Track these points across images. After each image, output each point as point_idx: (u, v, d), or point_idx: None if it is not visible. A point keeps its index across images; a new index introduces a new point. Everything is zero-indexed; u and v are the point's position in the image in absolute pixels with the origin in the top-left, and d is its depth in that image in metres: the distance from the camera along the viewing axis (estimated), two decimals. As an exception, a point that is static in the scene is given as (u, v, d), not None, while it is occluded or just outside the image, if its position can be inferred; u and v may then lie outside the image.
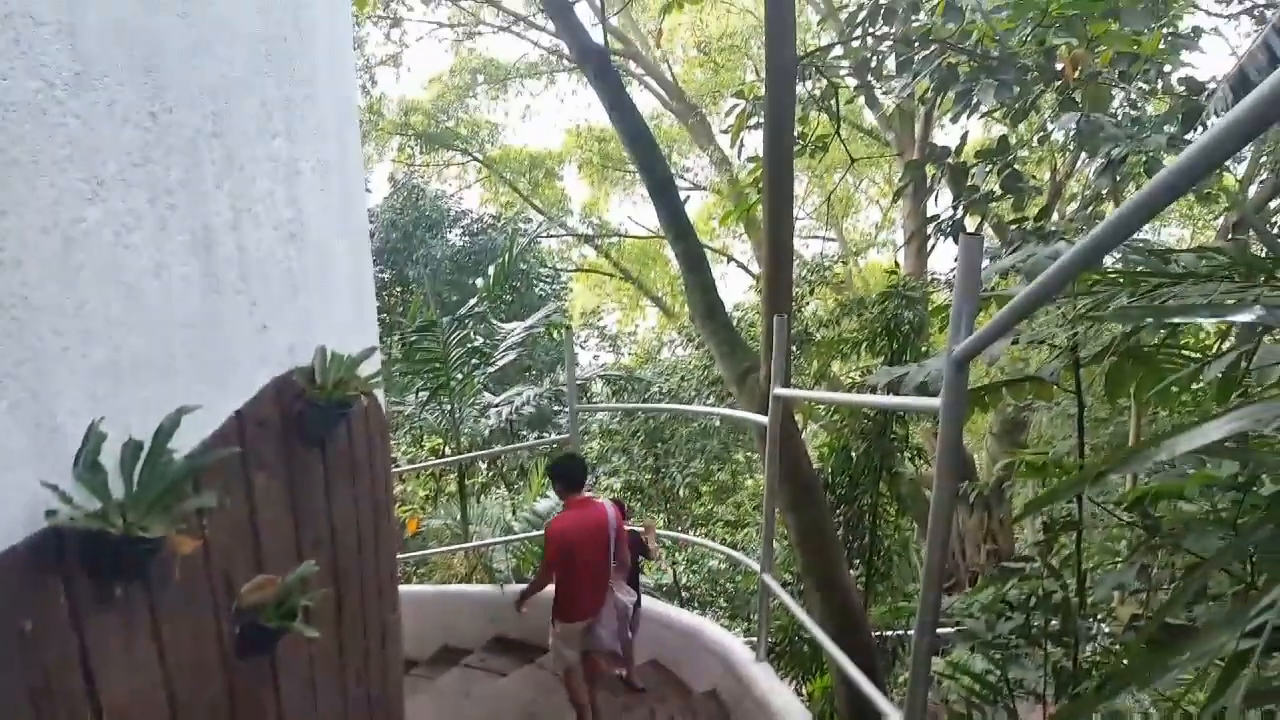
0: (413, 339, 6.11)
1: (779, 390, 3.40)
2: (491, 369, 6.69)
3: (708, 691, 4.17)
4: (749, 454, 11.24)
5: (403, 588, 5.97)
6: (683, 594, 9.44)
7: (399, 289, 11.44)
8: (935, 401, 1.98)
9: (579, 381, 9.12)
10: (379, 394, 2.80)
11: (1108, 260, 3.25)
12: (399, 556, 6.63)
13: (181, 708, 1.60)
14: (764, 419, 3.52)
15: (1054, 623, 3.14)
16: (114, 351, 1.56)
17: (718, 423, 9.99)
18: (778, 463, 3.45)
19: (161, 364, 1.69)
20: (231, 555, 1.81)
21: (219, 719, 1.77)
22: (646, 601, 4.96)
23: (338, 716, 2.39)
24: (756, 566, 3.75)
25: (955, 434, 1.97)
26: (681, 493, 9.51)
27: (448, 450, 7.50)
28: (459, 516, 5.99)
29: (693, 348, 12.98)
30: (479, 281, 7.87)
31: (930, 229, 11.74)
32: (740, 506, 10.24)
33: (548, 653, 4.26)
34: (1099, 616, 3.34)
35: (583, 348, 15.49)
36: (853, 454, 6.16)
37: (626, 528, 4.16)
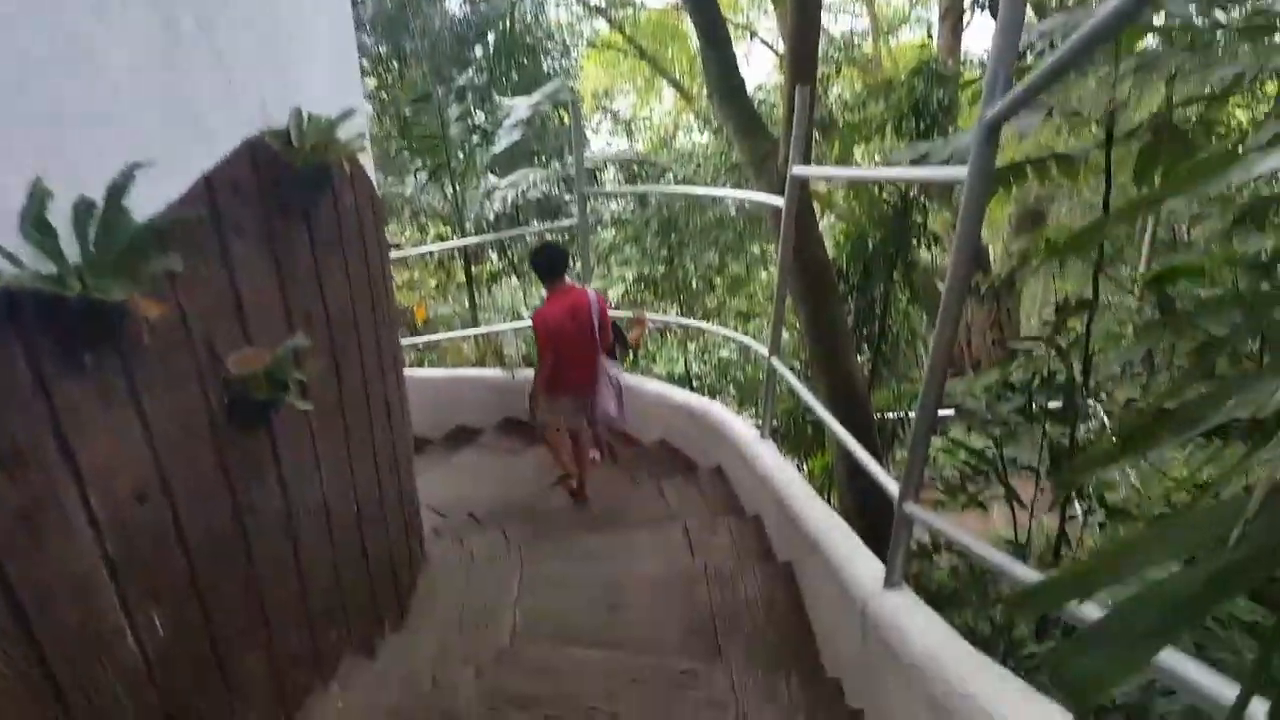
0: (409, 114, 5.75)
1: (797, 169, 3.20)
2: (495, 149, 6.37)
3: (713, 467, 4.33)
4: (765, 245, 11.07)
5: (416, 371, 6.11)
6: (693, 382, 9.67)
7: (395, 63, 10.63)
8: (960, 171, 1.81)
9: (589, 167, 8.74)
10: (367, 163, 2.65)
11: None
12: (409, 341, 6.72)
13: (172, 474, 1.61)
14: (780, 200, 3.35)
15: (1055, 402, 3.14)
16: (56, 102, 1.41)
17: (733, 212, 9.73)
18: (792, 244, 3.32)
19: (113, 117, 1.54)
20: (213, 325, 1.76)
21: (214, 486, 1.79)
22: (658, 386, 5.06)
23: (344, 487, 2.47)
24: (765, 351, 3.75)
25: (979, 208, 1.81)
26: (694, 284, 9.44)
27: (454, 238, 7.34)
28: (467, 304, 5.96)
29: (710, 133, 12.38)
30: (479, 50, 7.27)
31: (967, 2, 10.74)
32: (752, 298, 10.18)
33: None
34: (1100, 396, 3.34)
35: (594, 132, 14.77)
36: (869, 243, 5.97)
37: (613, 314, 4.40)
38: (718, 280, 10.85)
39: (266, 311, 1.99)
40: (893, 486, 2.24)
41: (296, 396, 1.85)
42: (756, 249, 11.37)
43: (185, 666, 1.69)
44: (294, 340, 1.92)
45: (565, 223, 4.71)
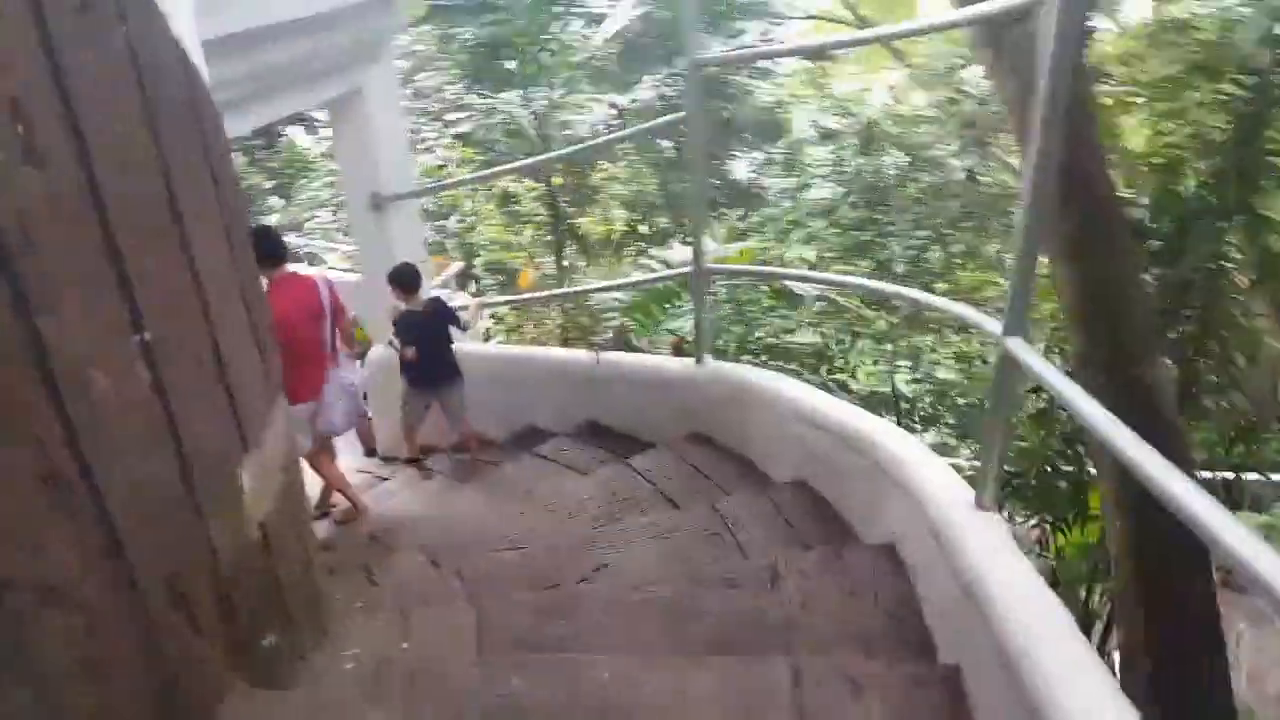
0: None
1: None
2: (594, 42, 4.58)
3: (882, 544, 2.38)
4: (1002, 246, 8.50)
5: (476, 346, 4.63)
6: (900, 406, 7.32)
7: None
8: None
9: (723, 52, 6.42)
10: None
11: None
12: (489, 301, 5.19)
13: None
14: None
15: None
16: None
17: (962, 174, 7.39)
18: (1060, 130, 1.34)
19: None
20: None
21: None
22: (798, 389, 3.11)
23: None
24: (996, 328, 1.81)
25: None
26: (898, 268, 7.19)
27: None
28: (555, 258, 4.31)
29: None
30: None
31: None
32: (978, 290, 7.70)
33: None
34: None
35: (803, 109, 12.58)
36: (1185, 181, 3.49)
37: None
38: (940, 285, 8.48)
39: None
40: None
41: None
42: (992, 249, 8.84)
43: None
44: None
45: (668, 118, 3.04)
